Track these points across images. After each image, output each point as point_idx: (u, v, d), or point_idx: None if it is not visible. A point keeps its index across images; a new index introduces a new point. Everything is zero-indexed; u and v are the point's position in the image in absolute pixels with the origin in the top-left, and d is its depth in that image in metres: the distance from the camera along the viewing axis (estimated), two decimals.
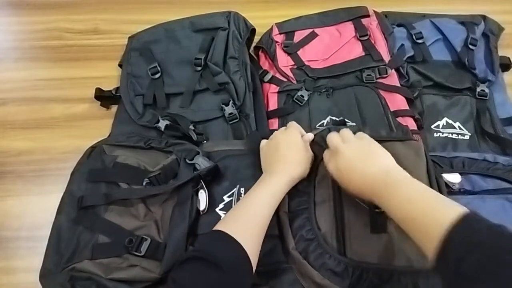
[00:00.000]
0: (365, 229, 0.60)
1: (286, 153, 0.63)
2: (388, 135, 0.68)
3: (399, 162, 0.60)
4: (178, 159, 0.69)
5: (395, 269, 0.56)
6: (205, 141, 0.76)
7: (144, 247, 0.61)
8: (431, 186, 0.62)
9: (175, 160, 0.68)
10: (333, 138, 0.61)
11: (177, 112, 0.80)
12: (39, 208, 0.75)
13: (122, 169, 0.69)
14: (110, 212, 0.65)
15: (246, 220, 0.55)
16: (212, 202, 0.66)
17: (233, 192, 0.68)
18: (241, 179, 0.69)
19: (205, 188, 0.66)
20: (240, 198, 0.66)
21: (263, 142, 0.68)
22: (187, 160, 0.67)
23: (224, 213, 0.65)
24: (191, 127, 0.76)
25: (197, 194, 0.65)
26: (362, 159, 0.57)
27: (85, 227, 0.64)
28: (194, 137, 0.75)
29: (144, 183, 0.66)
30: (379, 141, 0.61)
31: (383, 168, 0.55)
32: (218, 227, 0.54)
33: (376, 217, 0.59)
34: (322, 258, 0.57)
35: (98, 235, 0.63)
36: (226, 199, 0.67)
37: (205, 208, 0.65)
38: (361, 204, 0.61)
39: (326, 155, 0.62)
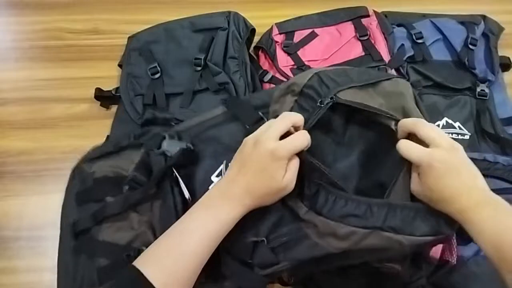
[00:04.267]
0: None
1: (249, 179, 0.49)
2: (377, 75, 0.64)
3: (391, 98, 0.59)
4: (148, 151, 0.64)
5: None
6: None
7: None
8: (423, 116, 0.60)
9: (145, 154, 0.64)
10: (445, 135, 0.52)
11: (178, 112, 0.79)
12: (39, 208, 0.75)
13: (101, 184, 0.66)
14: (103, 231, 0.62)
15: (180, 265, 0.47)
16: (201, 185, 0.62)
17: (221, 170, 0.63)
18: (225, 153, 0.62)
19: (178, 175, 0.60)
20: None
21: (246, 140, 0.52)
22: (155, 150, 0.62)
23: None
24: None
25: (177, 184, 0.61)
26: (469, 169, 0.50)
27: (86, 255, 0.62)
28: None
29: (124, 191, 0.64)
30: (369, 85, 0.59)
31: (480, 187, 0.49)
32: (141, 263, 0.47)
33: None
34: (337, 206, 0.52)
35: (99, 259, 0.61)
36: (215, 179, 0.63)
37: (189, 196, 0.60)
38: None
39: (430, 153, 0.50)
